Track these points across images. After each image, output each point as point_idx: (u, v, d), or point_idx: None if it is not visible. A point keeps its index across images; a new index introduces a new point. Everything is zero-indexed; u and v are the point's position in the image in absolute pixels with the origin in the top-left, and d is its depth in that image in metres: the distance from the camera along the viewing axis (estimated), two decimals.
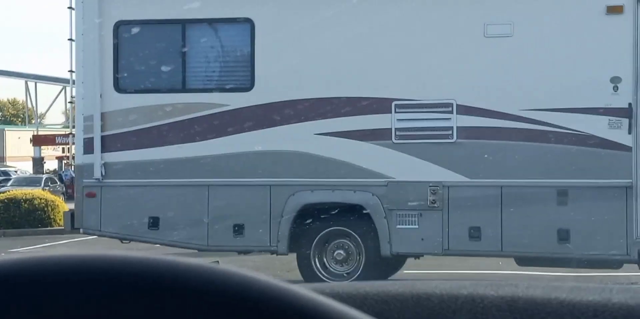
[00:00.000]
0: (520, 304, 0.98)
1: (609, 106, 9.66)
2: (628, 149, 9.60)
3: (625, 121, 9.60)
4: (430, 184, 10.00)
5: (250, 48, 10.40)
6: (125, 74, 10.61)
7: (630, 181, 9.56)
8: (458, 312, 0.98)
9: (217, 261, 1.77)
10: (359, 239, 10.33)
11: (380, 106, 10.13)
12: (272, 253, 10.51)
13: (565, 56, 9.83)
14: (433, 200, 9.99)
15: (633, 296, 1.02)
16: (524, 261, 10.33)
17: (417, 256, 10.70)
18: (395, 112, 10.08)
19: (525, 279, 9.38)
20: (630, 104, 9.60)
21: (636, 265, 9.77)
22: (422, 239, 10.10)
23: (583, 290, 1.04)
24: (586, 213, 9.68)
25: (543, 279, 9.93)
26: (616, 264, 9.95)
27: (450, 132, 10.03)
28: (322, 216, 10.27)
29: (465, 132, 9.98)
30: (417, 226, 10.10)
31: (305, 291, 0.73)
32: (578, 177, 9.71)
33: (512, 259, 10.36)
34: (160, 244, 10.88)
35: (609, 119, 9.66)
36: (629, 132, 9.59)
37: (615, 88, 9.64)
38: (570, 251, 9.78)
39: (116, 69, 10.53)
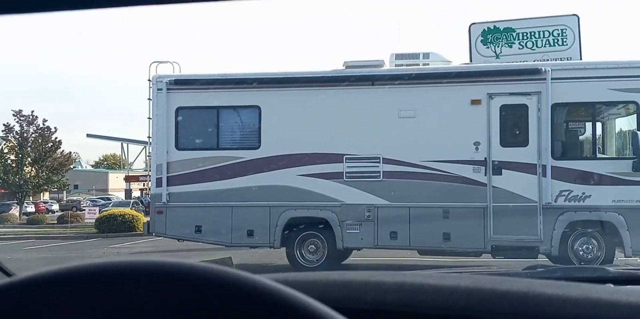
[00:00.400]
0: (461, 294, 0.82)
1: (473, 159, 9.65)
2: (484, 185, 9.59)
3: (482, 168, 9.62)
4: (367, 206, 9.93)
5: (258, 123, 10.40)
6: (182, 138, 10.60)
7: (486, 204, 9.57)
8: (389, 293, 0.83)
9: (230, 257, 1.83)
10: (324, 239, 10.21)
11: (337, 158, 10.05)
12: (271, 247, 10.37)
13: (447, 129, 9.76)
14: (368, 215, 9.91)
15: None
16: (423, 252, 10.19)
17: (358, 249, 10.58)
18: (346, 162, 10.03)
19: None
20: (485, 158, 9.61)
21: (490, 255, 9.72)
22: (362, 238, 9.99)
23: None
24: (460, 223, 9.63)
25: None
26: (478, 254, 9.90)
27: (378, 174, 9.95)
28: (301, 225, 10.20)
29: (388, 174, 9.91)
30: (358, 231, 9.99)
31: (265, 280, 0.65)
32: (455, 201, 9.65)
33: (416, 251, 10.21)
34: (202, 242, 10.73)
35: (473, 167, 9.64)
36: (485, 175, 9.60)
37: (477, 148, 9.65)
38: (451, 246, 9.72)
39: (177, 136, 10.53)
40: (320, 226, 10.15)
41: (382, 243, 9.97)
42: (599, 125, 10.24)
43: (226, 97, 10.54)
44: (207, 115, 10.67)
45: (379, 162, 9.95)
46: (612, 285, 1.49)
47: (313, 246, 10.34)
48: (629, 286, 1.49)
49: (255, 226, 10.22)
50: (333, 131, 10.13)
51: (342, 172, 10.04)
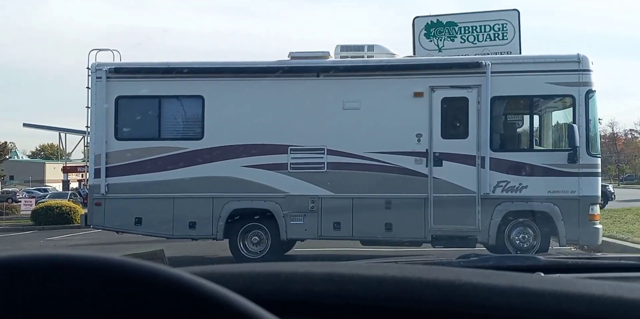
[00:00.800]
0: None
1: (415, 150, 9.76)
2: (425, 176, 9.73)
3: (424, 159, 9.75)
4: (311, 197, 9.93)
5: (201, 113, 10.25)
6: (122, 128, 10.35)
7: (427, 194, 9.71)
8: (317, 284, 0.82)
9: (162, 250, 1.78)
10: (267, 230, 10.16)
11: (282, 149, 10.01)
12: (213, 239, 10.24)
13: (390, 121, 9.86)
14: (312, 206, 9.92)
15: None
16: (366, 242, 10.27)
17: (302, 240, 10.57)
18: (290, 153, 10.01)
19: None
20: (427, 150, 9.75)
21: (430, 244, 9.88)
22: (305, 229, 10.00)
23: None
24: (402, 213, 9.74)
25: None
26: (419, 244, 10.04)
27: (322, 165, 9.96)
28: (244, 216, 10.13)
29: (332, 165, 9.93)
30: (302, 222, 9.98)
31: (178, 271, 0.64)
32: (397, 192, 9.76)
33: (359, 241, 10.27)
34: (142, 234, 10.50)
35: (415, 158, 9.76)
36: (426, 166, 9.74)
37: (419, 140, 9.76)
38: (393, 236, 9.82)
39: (116, 125, 10.29)
40: (263, 218, 10.09)
41: (326, 233, 9.99)
42: (536, 118, 10.54)
43: (168, 87, 10.33)
44: (148, 104, 10.43)
45: (324, 153, 9.96)
46: (542, 274, 1.54)
47: (256, 238, 10.29)
48: (557, 275, 1.54)
49: (198, 218, 10.08)
50: (278, 122, 10.08)
51: (287, 163, 10.01)
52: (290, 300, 0.81)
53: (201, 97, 10.25)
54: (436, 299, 0.80)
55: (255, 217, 10.13)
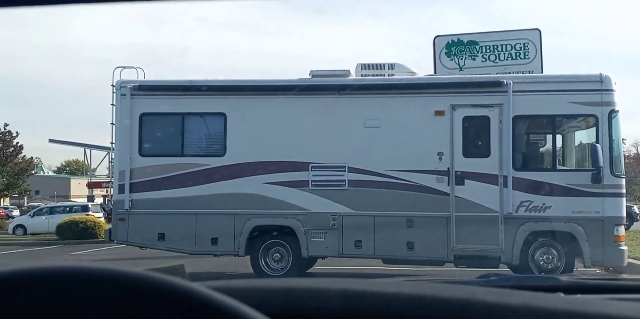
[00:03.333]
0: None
1: (437, 169, 9.72)
2: (447, 194, 9.66)
3: (446, 178, 9.69)
4: (332, 214, 9.91)
5: (223, 130, 10.33)
6: (146, 145, 10.45)
7: (449, 213, 9.64)
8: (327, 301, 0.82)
9: (182, 264, 1.78)
10: (289, 247, 10.13)
11: (303, 166, 10.03)
12: (235, 255, 10.25)
13: (412, 139, 9.84)
14: (333, 224, 9.89)
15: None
16: (387, 261, 10.19)
17: (323, 257, 10.54)
18: (311, 170, 10.03)
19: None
20: (448, 168, 9.69)
21: (453, 264, 9.78)
22: (327, 247, 9.97)
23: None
24: (424, 232, 9.67)
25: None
26: (441, 263, 9.94)
27: (344, 182, 9.94)
28: (266, 233, 10.14)
29: (353, 183, 9.90)
30: (323, 239, 9.95)
31: (191, 285, 0.65)
32: (419, 211, 9.70)
33: (381, 260, 10.21)
34: (165, 250, 10.53)
35: (437, 177, 9.71)
36: (448, 185, 9.68)
37: (440, 159, 9.73)
38: (414, 255, 9.75)
39: (140, 142, 10.38)
40: (285, 235, 10.09)
41: (347, 251, 9.95)
42: (559, 137, 10.42)
43: (191, 104, 10.44)
44: (171, 121, 10.56)
45: (345, 171, 9.95)
46: (562, 294, 1.51)
47: (278, 255, 10.26)
48: (577, 295, 1.51)
49: (220, 234, 10.11)
50: (299, 139, 10.13)
51: (308, 180, 10.02)
52: (305, 315, 0.82)
53: (223, 115, 10.33)
54: (450, 316, 0.80)
55: (277, 234, 10.13)
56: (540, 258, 9.59)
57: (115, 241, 10.75)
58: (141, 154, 10.39)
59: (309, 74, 10.52)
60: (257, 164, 10.15)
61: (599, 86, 9.50)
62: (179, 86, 10.56)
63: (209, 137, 10.71)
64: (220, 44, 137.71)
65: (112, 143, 10.75)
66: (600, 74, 9.55)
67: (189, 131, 10.51)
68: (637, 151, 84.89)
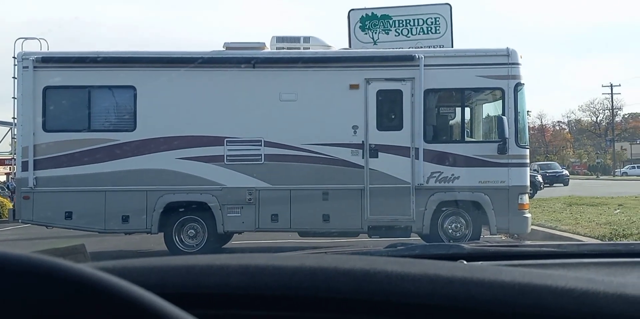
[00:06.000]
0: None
1: (352, 142, 9.86)
2: (362, 167, 9.85)
3: (360, 151, 9.86)
4: (248, 189, 9.90)
5: (133, 104, 10.04)
6: (50, 120, 10.00)
7: (363, 185, 9.84)
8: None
9: (83, 244, 1.72)
10: (204, 223, 10.04)
11: (217, 141, 9.92)
12: (148, 233, 10.07)
13: (327, 113, 9.91)
14: (249, 198, 9.88)
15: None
16: (303, 234, 10.29)
17: (240, 232, 10.53)
18: (227, 145, 9.94)
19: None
20: (363, 141, 9.86)
21: (367, 235, 10.02)
22: (243, 222, 9.95)
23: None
24: (339, 204, 9.82)
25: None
26: (356, 234, 10.18)
27: (260, 157, 9.92)
28: (180, 209, 10.00)
29: (269, 157, 9.91)
30: (239, 214, 9.92)
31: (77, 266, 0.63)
32: (334, 184, 9.84)
33: (297, 233, 10.28)
34: (73, 229, 10.18)
35: (352, 150, 9.86)
36: (362, 157, 9.86)
37: (355, 132, 9.87)
38: (330, 227, 9.90)
39: (44, 116, 9.93)
40: (199, 210, 9.99)
41: (264, 225, 9.98)
42: (467, 110, 10.76)
43: (99, 77, 10.00)
44: (77, 95, 10.10)
45: (261, 145, 9.93)
46: (464, 261, 1.58)
47: (192, 231, 10.16)
48: (478, 263, 1.58)
49: (131, 211, 9.89)
50: (213, 114, 9.97)
51: (223, 155, 9.93)
52: (207, 293, 0.81)
53: (133, 88, 10.01)
54: (351, 287, 0.81)
55: (191, 210, 10.00)
56: (449, 227, 9.98)
57: (19, 221, 10.28)
58: (45, 129, 9.93)
59: (223, 46, 10.30)
60: (170, 139, 9.94)
61: (506, 60, 9.86)
62: (85, 57, 10.07)
63: (117, 112, 10.33)
64: (125, 13, 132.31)
65: (14, 118, 10.21)
66: (507, 48, 9.90)
67: (96, 105, 10.10)
68: (541, 122, 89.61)
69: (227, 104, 9.99)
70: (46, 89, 9.97)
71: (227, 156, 9.93)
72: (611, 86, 71.27)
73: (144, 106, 10.00)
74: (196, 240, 10.16)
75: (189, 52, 10.25)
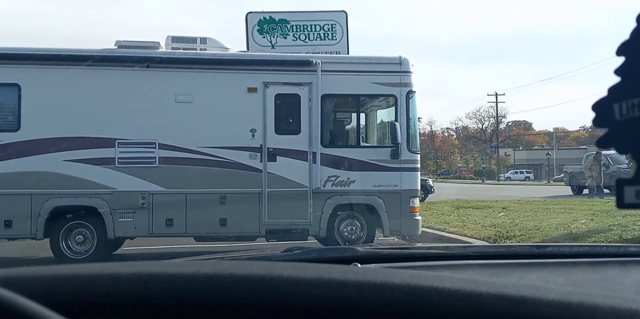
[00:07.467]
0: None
1: (250, 146, 9.83)
2: (260, 171, 9.84)
3: (258, 155, 9.85)
4: (141, 193, 9.62)
5: (17, 103, 9.48)
6: None
7: (261, 189, 9.84)
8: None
9: None
10: (93, 228, 9.64)
11: (108, 142, 9.56)
12: (33, 239, 9.54)
13: (225, 115, 9.81)
14: (142, 203, 9.61)
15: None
16: (199, 238, 10.15)
17: (131, 238, 10.20)
18: (118, 147, 9.61)
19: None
20: (261, 145, 9.86)
21: (264, 238, 10.05)
22: (135, 227, 9.66)
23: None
24: (236, 208, 9.75)
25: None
26: (253, 238, 10.17)
27: (154, 160, 9.67)
28: (67, 214, 9.55)
29: (164, 160, 9.67)
30: (132, 219, 9.63)
31: None
32: (232, 187, 9.76)
33: (192, 238, 10.12)
34: None
35: (249, 153, 9.82)
36: (261, 161, 9.85)
37: (253, 135, 9.84)
38: (227, 231, 9.82)
39: None
40: (88, 215, 9.61)
41: (158, 230, 9.74)
42: (362, 116, 11.08)
43: None
44: None
45: (155, 147, 9.68)
46: (358, 264, 1.62)
47: (81, 236, 9.74)
48: (371, 265, 1.63)
49: (14, 216, 9.37)
50: (104, 114, 9.61)
51: (114, 157, 9.59)
52: (97, 303, 0.79)
53: (17, 86, 9.48)
54: (248, 294, 0.82)
55: (79, 214, 9.60)
56: (345, 229, 10.19)
57: None
58: None
59: (115, 45, 9.96)
60: (56, 140, 9.49)
61: (398, 68, 10.21)
62: None
63: (0, 111, 9.72)
64: (15, 8, 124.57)
65: None
66: (400, 56, 10.25)
67: None
68: (431, 128, 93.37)
69: (119, 104, 9.66)
70: None
71: (118, 158, 9.61)
72: (496, 94, 75.65)
73: (29, 105, 9.48)
74: (85, 246, 9.75)
75: (78, 50, 9.81)
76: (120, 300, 0.79)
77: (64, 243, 9.66)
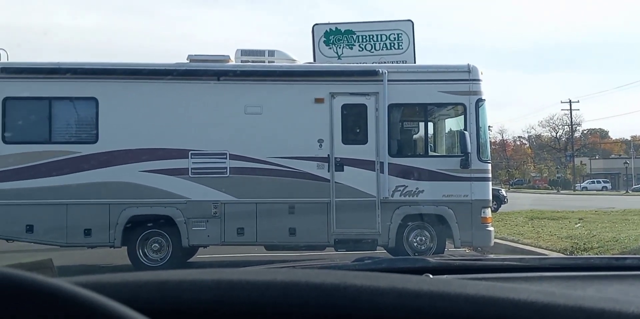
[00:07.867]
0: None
1: (317, 156, 9.89)
2: (328, 180, 9.87)
3: (326, 165, 9.89)
4: (213, 202, 9.82)
5: (95, 116, 9.88)
6: (10, 131, 9.78)
7: (329, 199, 9.86)
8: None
9: (50, 259, 1.69)
10: (168, 237, 9.92)
11: (182, 154, 9.83)
12: (111, 247, 9.87)
13: (292, 126, 9.93)
14: (215, 212, 9.80)
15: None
16: (270, 247, 10.25)
17: (205, 246, 10.40)
18: (191, 158, 9.86)
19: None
20: (328, 155, 9.89)
21: (333, 248, 10.01)
22: (208, 235, 9.85)
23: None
24: (305, 218, 9.81)
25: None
26: (322, 248, 10.21)
27: (225, 170, 9.86)
28: (144, 223, 9.85)
29: (235, 170, 9.85)
30: (205, 228, 9.82)
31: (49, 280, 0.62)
32: (300, 197, 9.83)
33: (263, 246, 10.23)
34: (35, 242, 9.92)
35: (317, 163, 9.88)
36: (328, 171, 9.89)
37: (321, 145, 9.91)
38: (296, 240, 9.89)
39: (3, 128, 9.72)
40: (164, 224, 9.87)
41: (229, 239, 9.90)
42: (430, 125, 10.94)
43: (60, 88, 9.85)
44: (38, 106, 9.91)
45: (226, 158, 9.88)
46: (430, 275, 1.61)
47: (157, 245, 10.02)
48: (443, 276, 1.61)
49: (93, 225, 9.71)
50: (177, 126, 9.90)
51: (188, 168, 9.84)
52: (179, 309, 0.81)
53: (95, 99, 9.88)
54: (323, 302, 0.83)
55: (155, 223, 9.88)
56: (414, 240, 10.06)
57: None
58: (5, 141, 9.72)
59: (187, 59, 10.27)
60: (133, 152, 9.83)
61: (467, 76, 10.05)
62: (46, 68, 9.93)
63: (79, 124, 10.18)
64: (86, 24, 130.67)
65: None
66: (468, 64, 10.10)
67: (57, 117, 9.92)
68: (502, 137, 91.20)
69: (192, 116, 9.93)
70: (6, 100, 9.77)
71: (191, 168, 9.85)
72: (570, 102, 73.14)
73: (107, 118, 9.86)
74: (160, 254, 10.02)
75: (152, 64, 10.19)
76: (201, 306, 0.81)
77: (140, 251, 9.97)
